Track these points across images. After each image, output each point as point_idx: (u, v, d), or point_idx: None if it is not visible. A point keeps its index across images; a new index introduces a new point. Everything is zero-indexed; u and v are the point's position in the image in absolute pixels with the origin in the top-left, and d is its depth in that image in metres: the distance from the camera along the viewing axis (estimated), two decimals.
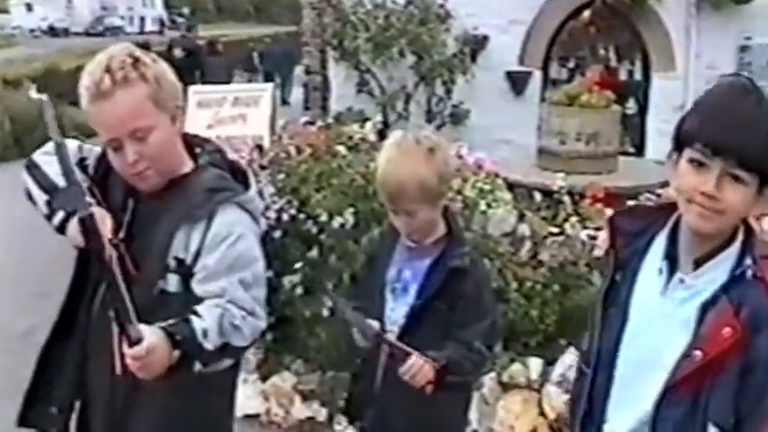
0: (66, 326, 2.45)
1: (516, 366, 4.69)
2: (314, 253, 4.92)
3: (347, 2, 10.39)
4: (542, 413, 4.63)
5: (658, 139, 9.97)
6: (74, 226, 2.22)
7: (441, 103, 10.49)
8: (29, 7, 69.98)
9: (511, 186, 5.77)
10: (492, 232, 4.95)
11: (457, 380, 2.66)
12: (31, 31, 60.19)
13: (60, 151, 2.14)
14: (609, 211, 4.74)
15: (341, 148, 5.37)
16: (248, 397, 4.90)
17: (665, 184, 6.25)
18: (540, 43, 10.67)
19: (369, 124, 6.07)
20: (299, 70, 19.26)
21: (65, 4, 70.88)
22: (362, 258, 4.57)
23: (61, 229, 2.29)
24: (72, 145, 2.40)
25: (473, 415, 4.34)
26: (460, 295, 2.69)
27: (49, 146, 2.47)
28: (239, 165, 2.51)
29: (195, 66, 14.96)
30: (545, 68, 10.91)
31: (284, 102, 20.48)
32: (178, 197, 2.27)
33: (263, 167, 5.28)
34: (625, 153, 8.45)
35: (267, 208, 4.78)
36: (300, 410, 4.98)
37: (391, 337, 2.68)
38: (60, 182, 2.31)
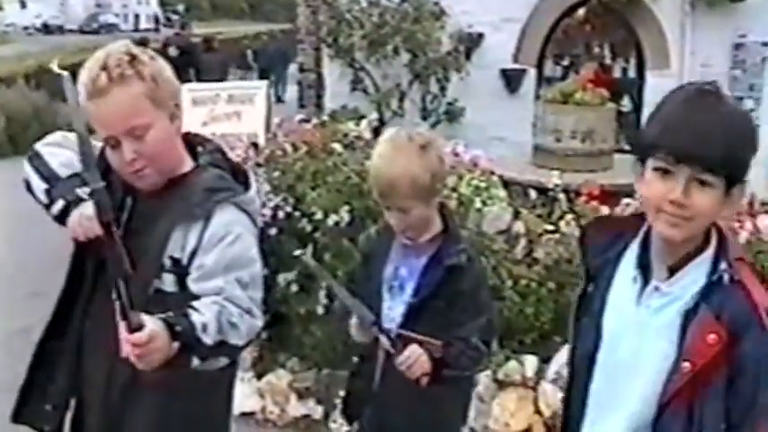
0: (61, 323, 2.44)
1: (512, 364, 4.69)
2: (309, 251, 4.92)
3: None
4: (538, 411, 4.64)
5: None
6: (74, 216, 2.22)
7: (435, 101, 10.50)
8: (23, 4, 69.83)
9: (506, 184, 5.77)
10: (487, 230, 4.95)
11: (454, 374, 2.66)
12: (25, 28, 60.10)
13: (81, 139, 2.08)
14: (605, 209, 4.75)
15: (336, 146, 5.37)
16: (244, 395, 4.90)
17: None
18: (535, 41, 10.68)
19: (364, 122, 6.07)
20: (293, 68, 19.28)
21: (59, 1, 70.77)
22: (358, 256, 4.60)
23: (61, 218, 2.27)
24: (73, 142, 2.39)
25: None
26: (457, 292, 2.69)
27: (53, 137, 2.47)
28: (240, 165, 2.50)
29: (190, 63, 14.95)
30: (540, 66, 10.92)
31: (279, 99, 20.47)
32: (177, 196, 2.26)
33: (258, 165, 5.28)
34: (620, 150, 8.46)
35: (263, 205, 4.77)
36: (296, 408, 4.98)
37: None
38: (62, 172, 2.30)
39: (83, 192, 2.24)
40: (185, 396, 2.28)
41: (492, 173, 5.54)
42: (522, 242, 4.97)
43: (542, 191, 5.72)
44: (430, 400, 2.63)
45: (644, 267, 1.91)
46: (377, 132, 5.78)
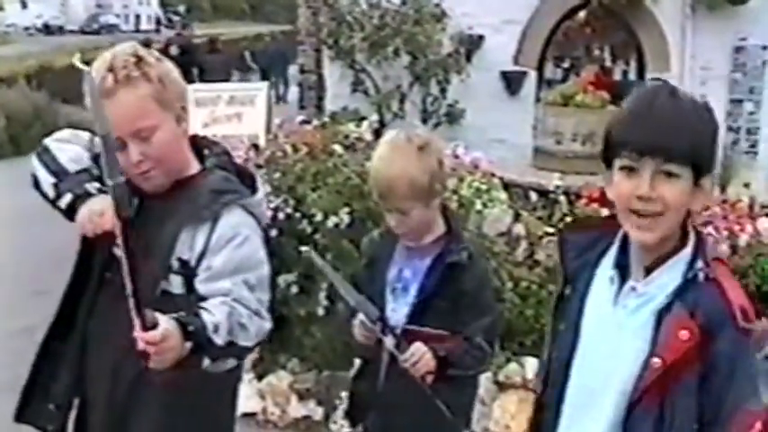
0: (65, 322, 2.43)
1: (512, 366, 4.70)
2: (306, 255, 4.92)
3: (343, 1, 10.40)
4: None
5: None
6: (83, 212, 2.21)
7: (436, 103, 10.50)
8: (23, 5, 69.78)
9: (506, 186, 5.77)
10: (487, 232, 4.95)
11: (458, 373, 2.65)
12: (26, 28, 60.00)
13: (103, 131, 1.99)
14: (605, 212, 4.76)
15: (337, 147, 5.37)
16: (244, 396, 4.89)
17: None
18: (536, 43, 10.68)
19: (365, 123, 6.08)
20: (293, 69, 19.28)
21: (60, 1, 70.76)
22: (358, 258, 4.60)
23: (68, 212, 2.26)
24: (84, 136, 2.39)
25: None
26: (461, 292, 2.69)
27: (62, 133, 2.47)
28: (247, 169, 2.51)
29: (192, 64, 14.96)
30: (540, 68, 10.92)
31: (282, 100, 20.50)
32: (183, 198, 2.26)
33: (259, 166, 5.28)
34: None
35: None
36: (296, 409, 4.99)
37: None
38: (71, 167, 2.29)
39: (92, 187, 2.24)
40: (191, 397, 2.28)
41: (492, 175, 5.55)
42: (523, 244, 4.98)
43: (543, 193, 5.73)
44: (435, 401, 2.63)
45: (622, 268, 1.91)
46: (377, 134, 5.79)
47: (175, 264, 2.20)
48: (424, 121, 10.21)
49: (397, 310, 2.75)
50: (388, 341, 2.65)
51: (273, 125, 6.64)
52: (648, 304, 1.85)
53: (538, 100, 10.03)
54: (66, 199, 2.26)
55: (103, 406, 2.37)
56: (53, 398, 2.44)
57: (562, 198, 5.36)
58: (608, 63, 11.47)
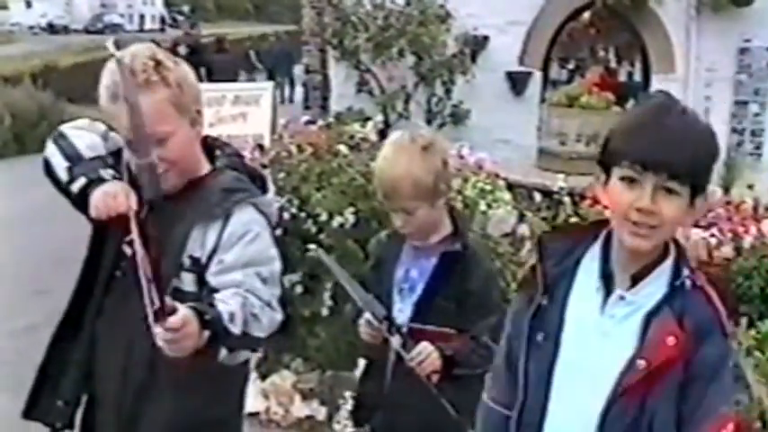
0: (73, 320, 2.43)
1: None
2: (313, 254, 4.93)
3: (347, 1, 10.41)
4: None
5: None
6: (97, 193, 2.21)
7: (440, 104, 10.50)
8: (28, 4, 69.91)
9: (511, 187, 5.78)
10: (492, 232, 4.95)
11: (464, 372, 2.65)
12: (30, 27, 60.11)
13: (133, 110, 2.02)
14: (608, 213, 4.75)
15: (342, 148, 5.37)
16: (248, 395, 4.90)
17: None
18: (540, 44, 10.68)
19: (370, 124, 6.08)
20: (298, 69, 19.30)
21: (64, 1, 70.83)
22: (363, 258, 4.60)
23: (80, 197, 2.26)
24: (100, 127, 2.39)
25: None
26: (467, 291, 2.69)
27: (80, 121, 2.47)
28: (258, 170, 2.50)
29: (200, 63, 14.94)
30: (545, 69, 10.92)
31: (284, 100, 20.51)
32: (194, 198, 2.26)
33: (264, 166, 5.28)
34: None
35: None
36: (300, 409, 4.99)
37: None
38: (87, 153, 2.30)
39: (106, 173, 2.24)
40: (200, 398, 2.28)
41: (497, 175, 5.55)
42: (527, 245, 4.97)
43: (547, 194, 5.73)
44: (442, 401, 2.62)
45: (606, 277, 1.90)
46: (382, 134, 5.79)
47: (187, 261, 2.20)
48: (429, 121, 10.22)
49: (404, 311, 2.75)
50: (395, 340, 2.65)
51: (279, 125, 6.64)
52: (637, 312, 1.85)
53: (542, 101, 10.02)
54: (80, 183, 2.26)
55: (112, 406, 2.37)
56: (62, 394, 2.44)
57: (566, 199, 5.37)
58: (613, 64, 11.45)
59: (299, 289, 4.94)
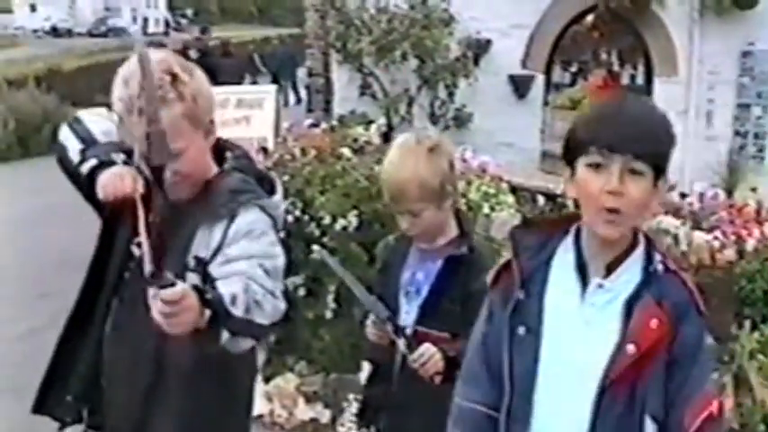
0: (81, 320, 2.44)
1: None
2: (316, 255, 4.94)
3: (350, 5, 10.42)
4: None
5: None
6: (106, 174, 2.22)
7: (443, 107, 10.52)
8: (32, 8, 70.04)
9: (514, 190, 5.78)
10: (495, 235, 4.95)
11: None
12: (35, 31, 60.18)
13: (145, 74, 1.92)
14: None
15: (345, 151, 5.39)
16: None
17: (669, 189, 6.27)
18: (543, 47, 10.68)
19: (373, 127, 6.10)
20: (301, 73, 19.33)
21: (68, 4, 70.96)
22: (367, 261, 4.61)
23: (89, 179, 2.26)
24: (115, 117, 2.39)
25: None
26: (472, 294, 2.69)
27: (97, 110, 2.48)
28: (267, 173, 2.49)
29: (209, 67, 14.94)
30: (548, 72, 10.92)
31: (287, 103, 20.53)
32: (200, 200, 2.27)
33: (267, 169, 5.29)
34: None
35: None
36: (304, 412, 4.99)
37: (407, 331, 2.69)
38: (101, 138, 2.32)
39: (117, 157, 2.25)
40: (208, 397, 2.29)
41: (500, 179, 5.56)
42: None
43: (550, 197, 5.73)
44: (448, 403, 2.63)
45: (581, 268, 1.96)
46: (386, 137, 5.81)
47: (192, 262, 2.19)
48: (432, 124, 10.23)
49: (411, 313, 2.76)
50: (401, 342, 2.66)
51: (282, 128, 6.65)
52: (616, 300, 1.92)
53: (546, 104, 10.04)
54: (90, 163, 2.27)
55: (121, 407, 2.37)
56: (71, 389, 2.45)
57: (570, 202, 5.36)
58: (615, 67, 11.47)
59: (302, 291, 4.95)
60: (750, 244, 4.77)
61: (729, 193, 7.06)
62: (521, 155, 9.04)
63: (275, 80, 20.59)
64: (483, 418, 2.07)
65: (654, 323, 1.85)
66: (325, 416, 4.96)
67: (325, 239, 4.94)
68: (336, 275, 3.05)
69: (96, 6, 72.78)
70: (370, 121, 7.13)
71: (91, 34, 57.89)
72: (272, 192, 2.37)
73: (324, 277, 4.90)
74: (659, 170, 1.87)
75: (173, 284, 1.81)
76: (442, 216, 2.72)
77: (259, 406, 5.01)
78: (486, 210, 5.08)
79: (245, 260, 2.14)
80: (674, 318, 1.87)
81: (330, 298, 4.84)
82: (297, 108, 19.62)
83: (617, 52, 11.43)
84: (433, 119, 10.44)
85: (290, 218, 4.98)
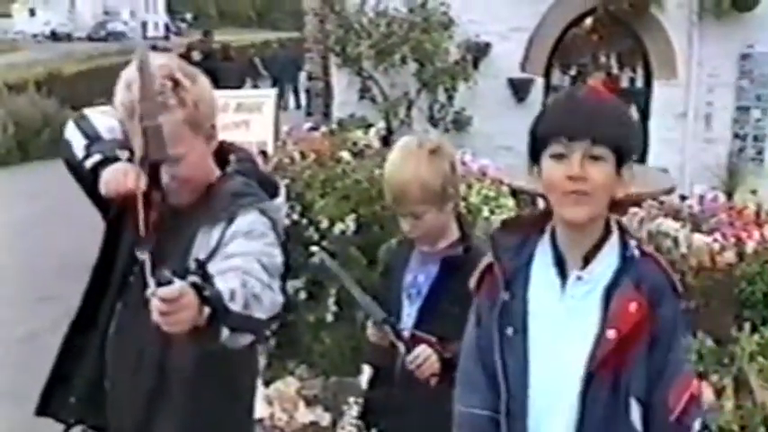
0: (85, 324, 2.44)
1: None
2: (316, 259, 4.94)
3: (350, 9, 10.43)
4: None
5: (660, 146, 9.99)
6: (109, 169, 2.23)
7: (443, 110, 10.52)
8: (32, 12, 70.09)
9: (514, 193, 5.78)
10: None
11: None
12: (34, 35, 60.19)
13: (143, 67, 1.96)
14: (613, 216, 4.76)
15: (345, 154, 5.39)
16: None
17: (668, 191, 6.28)
18: (543, 50, 10.70)
19: (372, 130, 6.11)
20: (302, 76, 19.35)
21: (67, 8, 71.00)
22: (366, 264, 4.61)
23: (93, 175, 2.27)
24: (111, 123, 2.40)
25: None
26: (469, 295, 2.70)
27: (101, 108, 2.50)
28: (270, 176, 2.49)
29: (212, 70, 14.93)
30: (547, 75, 10.93)
31: (287, 107, 20.54)
32: (202, 203, 2.27)
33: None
34: None
35: None
36: (304, 415, 4.99)
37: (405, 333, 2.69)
38: (106, 135, 2.34)
39: (121, 153, 2.27)
40: (211, 400, 2.30)
41: (500, 182, 5.56)
42: None
43: None
44: (449, 406, 2.63)
45: (559, 263, 2.00)
46: (385, 141, 5.81)
47: (192, 265, 2.19)
48: (432, 128, 10.24)
49: (412, 315, 2.77)
50: (401, 344, 2.66)
51: (282, 132, 6.65)
52: (596, 289, 1.96)
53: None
54: (95, 158, 2.29)
55: (124, 410, 2.38)
56: (75, 392, 2.45)
57: None
58: (615, 70, 11.43)
59: (303, 295, 4.95)
60: (750, 246, 4.77)
61: (729, 195, 7.07)
62: (520, 158, 8.97)
63: (276, 84, 20.61)
64: (485, 422, 2.09)
65: (633, 306, 1.90)
66: (325, 419, 4.95)
67: (323, 243, 4.94)
68: (337, 279, 3.05)
69: (96, 11, 72.77)
70: (370, 125, 7.15)
71: (90, 38, 57.86)
72: (274, 195, 2.36)
73: (324, 280, 4.90)
74: (621, 155, 1.92)
75: (170, 282, 1.80)
76: (443, 218, 2.73)
77: (259, 409, 5.00)
78: (486, 213, 5.09)
79: (241, 256, 2.12)
80: (652, 299, 1.92)
81: (331, 301, 4.85)
82: (296, 112, 19.63)
83: (616, 55, 11.40)
84: (433, 122, 10.45)
85: (288, 221, 4.98)
